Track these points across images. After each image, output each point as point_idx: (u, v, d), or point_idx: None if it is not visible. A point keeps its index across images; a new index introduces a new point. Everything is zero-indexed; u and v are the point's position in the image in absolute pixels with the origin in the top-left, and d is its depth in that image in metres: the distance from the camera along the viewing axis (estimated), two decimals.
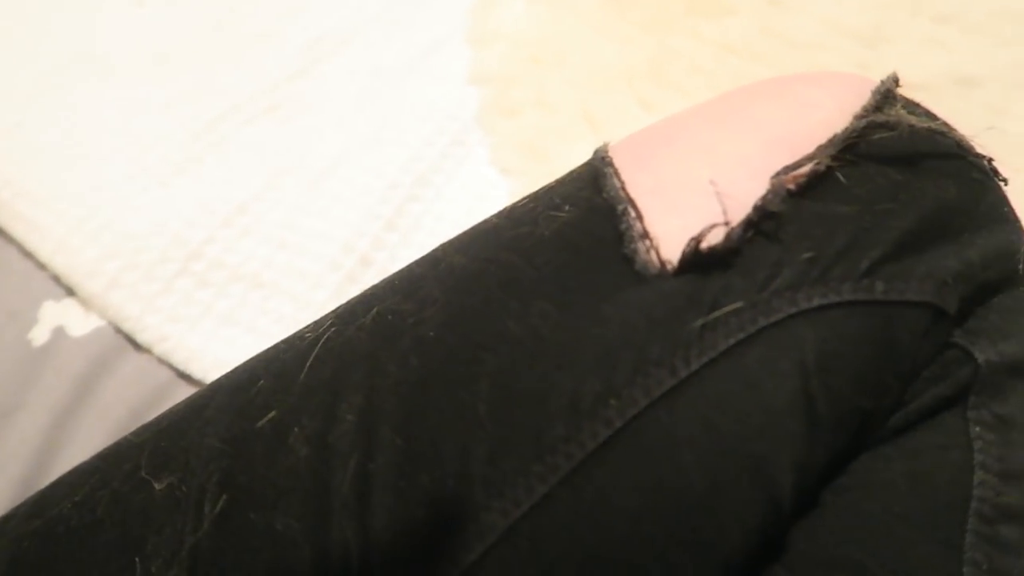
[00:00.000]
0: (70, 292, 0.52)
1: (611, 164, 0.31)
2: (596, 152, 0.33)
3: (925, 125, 0.29)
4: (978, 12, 0.61)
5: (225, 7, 0.70)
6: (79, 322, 0.51)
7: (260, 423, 0.29)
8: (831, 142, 0.28)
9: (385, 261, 0.52)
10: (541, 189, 0.34)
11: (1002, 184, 0.31)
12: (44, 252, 0.52)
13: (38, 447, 0.48)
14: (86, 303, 0.52)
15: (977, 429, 0.27)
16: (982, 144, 0.51)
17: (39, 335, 0.51)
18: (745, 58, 0.58)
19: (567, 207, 0.30)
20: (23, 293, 0.52)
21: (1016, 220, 0.31)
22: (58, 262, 0.52)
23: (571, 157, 0.55)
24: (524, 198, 0.34)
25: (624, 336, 0.27)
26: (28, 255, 0.53)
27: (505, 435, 0.27)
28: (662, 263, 0.27)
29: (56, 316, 0.52)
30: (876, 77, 0.59)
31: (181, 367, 0.50)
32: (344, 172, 0.56)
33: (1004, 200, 0.31)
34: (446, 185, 0.56)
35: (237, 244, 0.53)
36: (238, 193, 0.55)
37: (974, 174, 0.30)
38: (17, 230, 0.53)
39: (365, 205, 0.54)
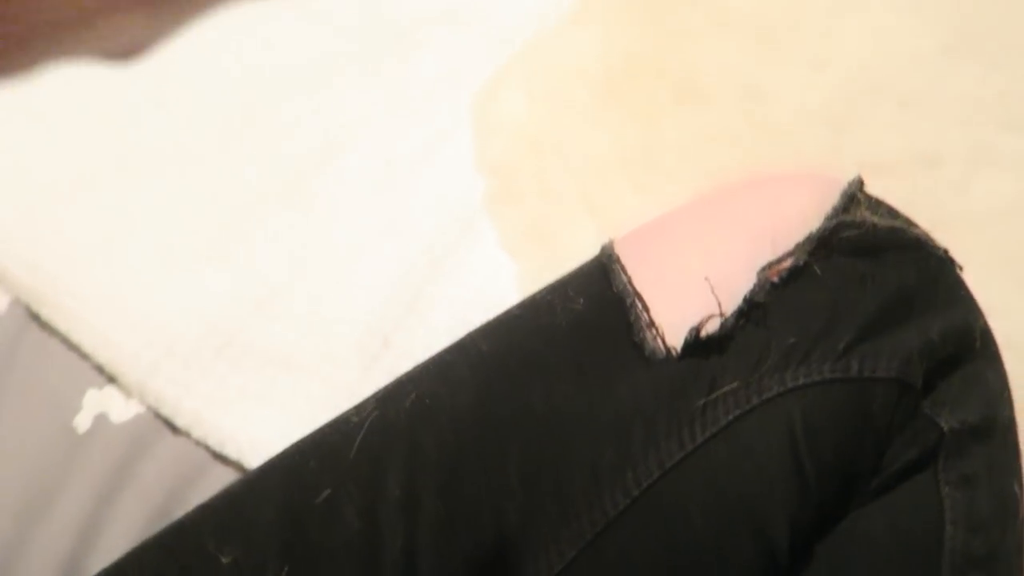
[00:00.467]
0: (111, 380, 0.56)
1: (617, 260, 0.36)
2: (603, 248, 0.38)
3: (887, 224, 0.34)
4: (938, 96, 0.67)
5: (247, 105, 0.75)
6: (120, 408, 0.55)
7: (316, 500, 0.32)
8: (808, 239, 0.33)
9: (405, 342, 0.56)
10: (556, 282, 0.38)
11: (958, 269, 0.36)
12: (88, 344, 0.56)
13: (82, 526, 0.51)
14: (127, 390, 0.55)
15: (947, 489, 0.31)
16: (949, 220, 0.57)
17: (82, 422, 0.55)
18: (727, 145, 0.64)
19: (582, 300, 0.35)
20: (68, 382, 0.56)
21: (971, 300, 0.35)
22: (101, 353, 0.56)
23: (574, 240, 0.61)
24: (541, 290, 0.39)
25: (637, 413, 0.31)
26: (73, 347, 0.57)
27: (536, 502, 0.31)
28: (667, 349, 0.32)
29: (98, 403, 0.55)
30: (846, 160, 0.64)
31: (217, 448, 0.53)
32: (365, 259, 0.61)
33: (960, 283, 0.35)
34: (459, 269, 0.61)
35: (267, 329, 0.57)
36: (266, 281, 0.60)
37: (932, 262, 0.34)
38: (63, 324, 0.57)
39: (385, 289, 0.59)
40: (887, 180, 0.60)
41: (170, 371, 0.55)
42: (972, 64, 0.70)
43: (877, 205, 0.36)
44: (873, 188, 0.60)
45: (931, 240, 0.35)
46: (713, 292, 0.32)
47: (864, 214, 0.34)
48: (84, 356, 0.57)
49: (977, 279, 0.51)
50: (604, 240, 0.37)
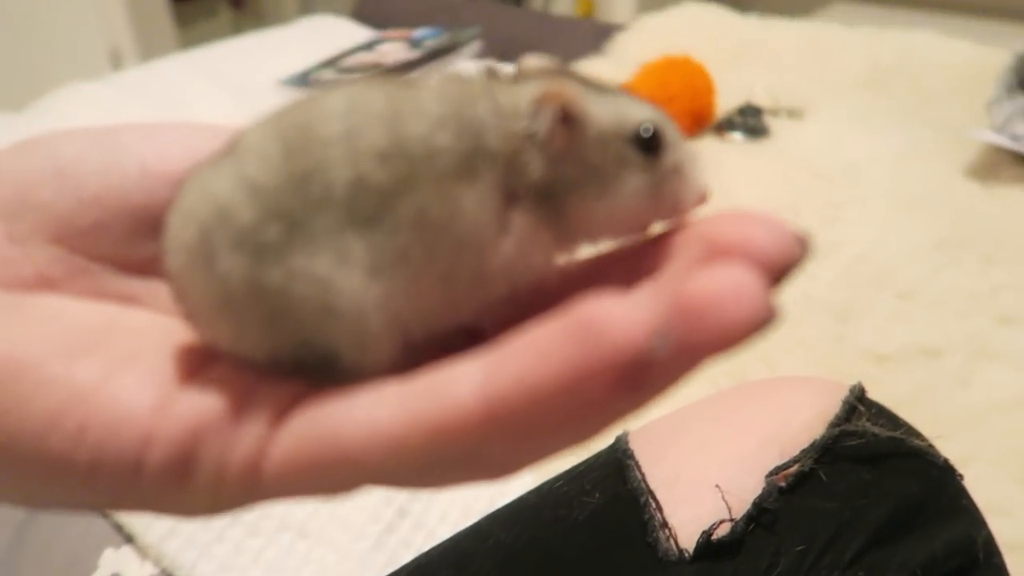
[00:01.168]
0: (129, 539, 0.57)
1: (632, 456, 0.38)
2: (618, 440, 0.40)
3: (887, 434, 0.36)
4: (935, 288, 0.71)
5: None
6: (135, 570, 0.55)
7: None
8: (813, 447, 0.35)
9: (420, 513, 0.57)
10: (573, 470, 0.40)
11: (959, 478, 0.37)
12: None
13: None
14: (143, 551, 0.56)
15: None
16: (951, 414, 0.59)
17: None
18: None
19: (597, 494, 0.37)
20: (86, 539, 0.57)
21: (974, 510, 0.37)
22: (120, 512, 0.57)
23: None
24: (558, 478, 0.40)
25: None
26: None
27: None
28: (680, 551, 0.33)
29: (114, 563, 0.56)
30: (849, 349, 0.67)
31: None
32: None
33: (963, 492, 0.37)
34: None
35: None
36: None
37: (933, 472, 0.36)
38: None
39: None
40: (890, 370, 0.63)
41: (188, 533, 0.56)
42: (967, 259, 0.74)
43: (879, 414, 0.38)
44: (876, 378, 0.63)
45: (932, 449, 0.37)
46: (724, 498, 0.33)
47: (865, 424, 0.36)
48: (104, 514, 0.58)
49: (980, 477, 0.52)
50: (618, 425, 0.39)
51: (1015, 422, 0.58)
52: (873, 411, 0.38)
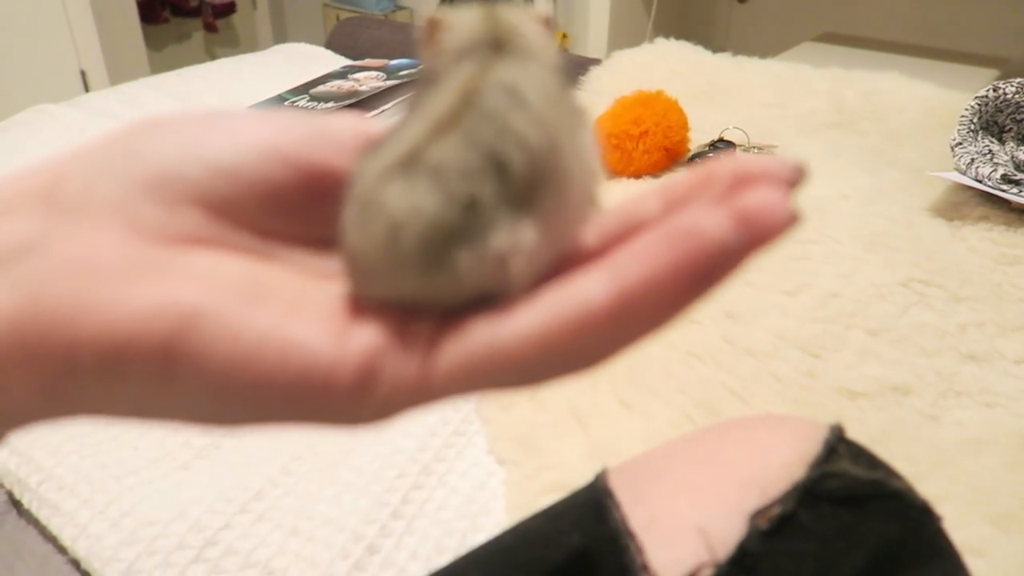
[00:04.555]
0: None
1: (611, 495, 0.37)
2: (597, 479, 0.39)
3: (868, 476, 0.36)
4: (903, 326, 0.72)
5: None
6: None
7: None
8: (794, 489, 0.35)
9: (391, 549, 0.56)
10: (550, 509, 0.39)
11: (938, 520, 0.37)
12: (66, 536, 0.55)
13: None
14: None
15: None
16: (922, 451, 0.59)
17: None
18: (709, 365, 0.67)
19: (575, 534, 0.36)
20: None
21: (952, 552, 0.37)
22: (79, 547, 0.55)
23: (560, 450, 0.62)
24: (535, 516, 0.39)
25: None
26: (50, 538, 0.56)
27: None
28: None
29: None
30: (821, 385, 0.67)
31: None
32: (354, 461, 0.61)
33: (941, 533, 0.37)
34: (448, 474, 0.61)
35: (251, 530, 0.56)
36: (254, 479, 0.60)
37: (912, 513, 0.36)
38: (41, 514, 0.56)
39: (374, 493, 0.59)
40: (862, 407, 0.63)
41: (148, 570, 0.54)
42: (934, 297, 0.75)
43: (858, 454, 0.38)
44: (850, 414, 0.63)
45: (911, 491, 0.37)
46: (706, 540, 0.33)
47: (845, 465, 0.36)
48: (61, 549, 0.55)
49: (952, 516, 0.52)
50: (595, 460, 0.39)
51: (984, 461, 0.58)
52: (853, 451, 0.38)
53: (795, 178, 0.17)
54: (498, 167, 0.18)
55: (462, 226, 0.18)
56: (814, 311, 0.73)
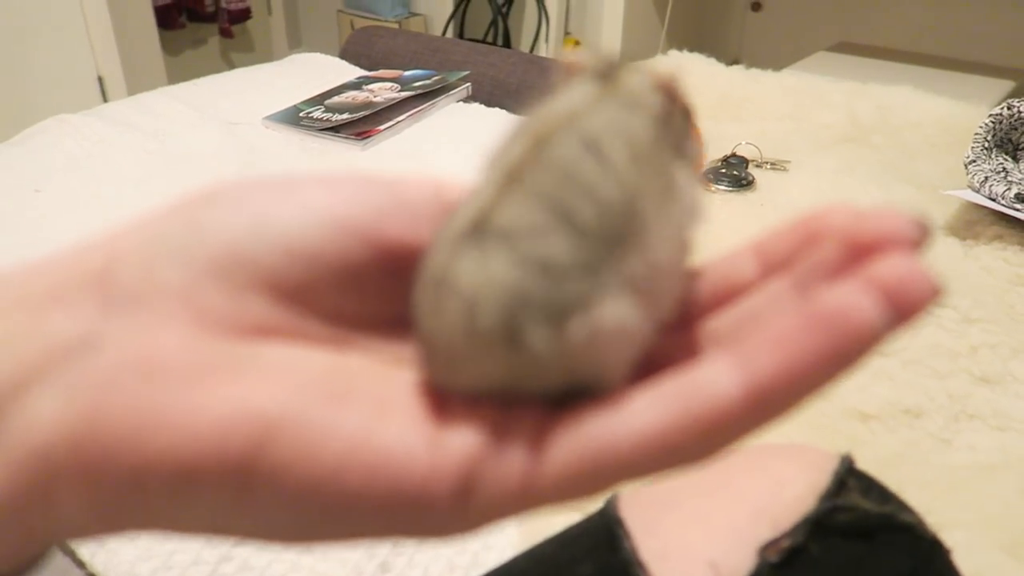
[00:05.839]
0: None
1: (622, 524, 0.37)
2: (607, 505, 0.39)
3: (878, 510, 0.36)
4: (915, 347, 0.72)
5: None
6: None
7: None
8: (805, 521, 0.35)
9: (403, 567, 0.56)
10: (563, 535, 0.40)
11: (948, 553, 0.38)
12: (84, 551, 0.56)
13: None
14: None
15: None
16: (934, 476, 0.59)
17: None
18: None
19: (588, 563, 0.36)
20: None
21: None
22: (97, 561, 0.55)
23: None
24: (548, 542, 0.40)
25: None
26: (68, 553, 0.57)
27: None
28: None
29: None
30: (834, 407, 0.67)
31: None
32: None
33: (951, 568, 0.37)
34: None
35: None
36: None
37: (923, 546, 0.36)
38: None
39: None
40: (874, 430, 0.63)
41: None
42: (946, 317, 0.75)
43: (869, 487, 0.38)
44: (861, 438, 0.63)
45: (922, 525, 0.37)
46: (716, 573, 0.33)
47: (856, 498, 0.36)
48: (80, 563, 0.56)
49: (963, 543, 0.53)
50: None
51: (996, 486, 0.58)
52: (863, 484, 0.38)
53: (922, 237, 0.15)
54: (571, 225, 0.16)
55: (544, 297, 0.16)
56: None
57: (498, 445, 0.16)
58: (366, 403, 0.17)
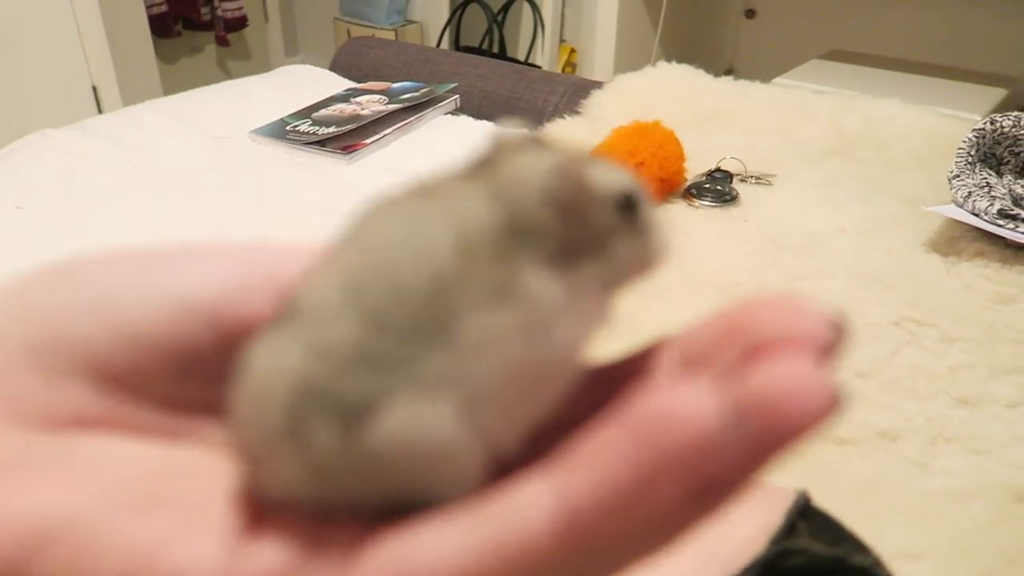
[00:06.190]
0: None
1: None
2: None
3: (827, 553, 0.35)
4: (894, 368, 0.71)
5: None
6: None
7: None
8: (753, 565, 0.35)
9: None
10: None
11: None
12: None
13: None
14: None
15: None
16: (909, 502, 0.58)
17: None
18: None
19: None
20: None
21: None
22: None
23: None
24: None
25: None
26: None
27: None
28: None
29: None
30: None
31: None
32: None
33: None
34: None
35: None
36: None
37: None
38: None
39: None
40: (849, 454, 0.63)
41: None
42: (926, 337, 0.75)
43: (821, 528, 0.38)
44: (836, 462, 0.63)
45: (877, 565, 0.37)
46: None
47: (806, 540, 0.36)
48: None
49: (934, 573, 0.52)
50: None
51: (970, 513, 0.58)
52: (816, 524, 0.38)
53: (833, 339, 0.13)
54: (359, 311, 0.14)
55: (326, 390, 0.14)
56: None
57: (304, 563, 0.15)
58: (174, 510, 0.15)
